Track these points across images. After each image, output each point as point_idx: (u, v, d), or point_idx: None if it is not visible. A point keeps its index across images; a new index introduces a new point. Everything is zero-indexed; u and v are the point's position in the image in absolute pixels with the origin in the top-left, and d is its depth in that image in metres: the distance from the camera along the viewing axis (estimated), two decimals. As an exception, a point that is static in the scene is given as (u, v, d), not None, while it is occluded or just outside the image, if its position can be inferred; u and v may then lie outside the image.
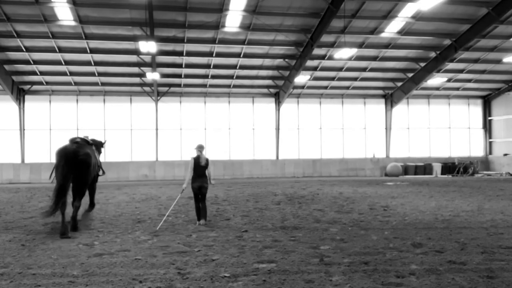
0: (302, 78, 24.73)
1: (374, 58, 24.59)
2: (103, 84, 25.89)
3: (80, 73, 24.46)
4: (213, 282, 5.21)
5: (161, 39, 20.53)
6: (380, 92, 29.48)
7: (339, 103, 29.64)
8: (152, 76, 23.34)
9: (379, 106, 29.99)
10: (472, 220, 9.58)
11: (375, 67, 25.80)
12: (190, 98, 27.91)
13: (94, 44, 21.50)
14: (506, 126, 29.83)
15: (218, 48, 22.46)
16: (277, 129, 28.49)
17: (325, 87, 28.10)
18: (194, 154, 9.55)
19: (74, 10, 18.38)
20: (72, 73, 24.32)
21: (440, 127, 30.78)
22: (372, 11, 19.71)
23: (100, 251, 6.75)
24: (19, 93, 25.46)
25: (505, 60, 24.34)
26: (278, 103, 28.34)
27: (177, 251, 6.72)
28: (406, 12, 19.81)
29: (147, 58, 22.82)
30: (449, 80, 27.64)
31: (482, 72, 26.97)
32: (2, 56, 22.11)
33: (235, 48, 22.69)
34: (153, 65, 22.61)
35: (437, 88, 29.21)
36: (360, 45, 22.62)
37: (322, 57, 23.97)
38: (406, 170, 28.31)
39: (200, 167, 9.35)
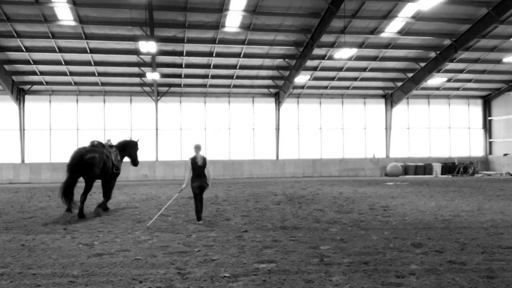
0: (302, 78, 24.73)
1: (374, 58, 24.59)
2: (103, 84, 25.89)
3: (80, 73, 24.47)
4: (213, 282, 5.20)
5: (161, 39, 20.53)
6: (380, 92, 29.48)
7: (339, 103, 29.64)
8: (152, 76, 23.34)
9: (379, 106, 30.00)
10: (472, 220, 9.58)
11: (375, 67, 25.80)
12: (190, 98, 27.91)
13: (94, 44, 21.50)
14: (506, 126, 29.83)
15: (218, 48, 22.46)
16: (277, 129, 28.49)
17: (325, 87, 28.10)
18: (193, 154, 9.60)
19: (74, 10, 18.39)
20: (72, 73, 24.33)
21: (440, 127, 30.78)
22: (372, 11, 19.71)
23: (100, 251, 6.75)
24: (19, 93, 25.46)
25: (505, 60, 24.34)
26: (278, 103, 28.35)
27: (177, 251, 6.72)
28: (406, 12, 19.81)
29: (147, 58, 22.83)
30: (449, 80, 27.64)
31: (482, 72, 26.97)
32: (2, 56, 22.11)
33: (235, 48, 22.69)
34: (153, 65, 22.61)
35: (437, 88, 29.22)
36: (360, 45, 22.62)
37: (322, 57, 23.97)
38: (406, 170, 28.31)
39: (197, 167, 9.38)
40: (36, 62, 22.84)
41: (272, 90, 28.20)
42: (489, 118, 31.05)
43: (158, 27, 19.78)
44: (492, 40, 22.73)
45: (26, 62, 22.72)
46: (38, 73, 24.01)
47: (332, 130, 29.48)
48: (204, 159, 9.48)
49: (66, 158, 28.10)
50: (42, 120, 26.36)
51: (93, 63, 23.18)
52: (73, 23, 19.27)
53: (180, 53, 22.79)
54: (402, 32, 21.53)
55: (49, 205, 13.05)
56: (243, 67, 24.72)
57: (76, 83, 25.65)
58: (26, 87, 25.63)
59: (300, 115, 29.17)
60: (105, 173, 11.04)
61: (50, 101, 26.56)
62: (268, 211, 11.32)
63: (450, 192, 15.97)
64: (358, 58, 24.26)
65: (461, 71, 26.65)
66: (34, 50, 21.71)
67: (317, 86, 27.86)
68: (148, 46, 18.91)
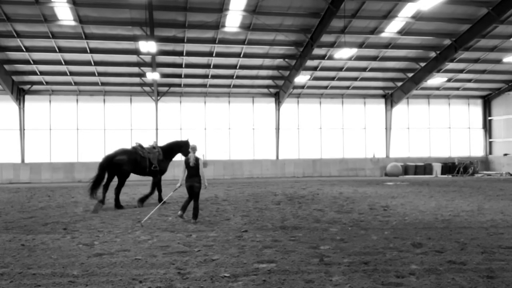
0: (302, 78, 24.73)
1: (374, 58, 24.59)
2: (103, 84, 25.89)
3: (80, 73, 24.47)
4: (213, 282, 5.21)
5: (161, 39, 20.53)
6: (380, 92, 29.48)
7: (339, 103, 29.64)
8: (152, 76, 23.34)
9: (379, 106, 30.00)
10: (472, 220, 9.58)
11: (375, 67, 25.80)
12: (190, 98, 27.91)
13: (94, 44, 21.50)
14: (506, 126, 29.83)
15: (218, 48, 22.46)
16: (277, 129, 28.50)
17: (325, 87, 28.10)
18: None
19: (74, 10, 18.39)
20: (72, 73, 24.32)
21: (440, 127, 30.79)
22: (372, 11, 19.72)
23: (100, 251, 6.75)
24: (19, 93, 25.46)
25: (505, 60, 24.34)
26: (278, 103, 28.35)
27: (177, 251, 6.72)
28: (406, 12, 19.81)
29: (147, 58, 22.83)
30: (449, 80, 27.64)
31: (482, 72, 26.98)
32: (2, 56, 22.11)
33: (235, 48, 22.69)
34: (153, 65, 22.61)
35: (437, 88, 29.22)
36: (360, 45, 22.63)
37: (322, 57, 23.97)
38: (406, 170, 28.31)
39: (190, 168, 9.57)
40: (36, 62, 22.84)
41: (272, 90, 28.21)
42: (489, 118, 31.05)
43: (158, 27, 19.78)
44: (492, 40, 22.73)
45: (26, 62, 22.72)
46: (38, 73, 24.01)
47: (332, 130, 29.48)
48: (196, 160, 9.59)
49: (66, 158, 28.26)
50: (42, 120, 26.36)
51: (93, 63, 23.18)
52: (73, 23, 19.27)
53: (180, 53, 22.79)
54: (402, 32, 21.53)
55: (49, 205, 13.06)
56: (243, 67, 24.72)
57: (76, 83, 25.65)
58: (26, 87, 25.63)
59: (300, 115, 29.17)
60: (142, 171, 12.83)
61: (50, 101, 26.55)
62: (268, 211, 11.32)
63: (450, 192, 15.97)
64: (358, 58, 24.26)
65: (461, 71, 26.65)
66: (34, 50, 21.72)
67: (317, 86, 27.86)
68: (148, 46, 18.90)
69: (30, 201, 14.13)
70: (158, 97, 27.05)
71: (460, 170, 28.22)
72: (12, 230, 8.79)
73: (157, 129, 27.27)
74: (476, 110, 31.38)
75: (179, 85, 26.69)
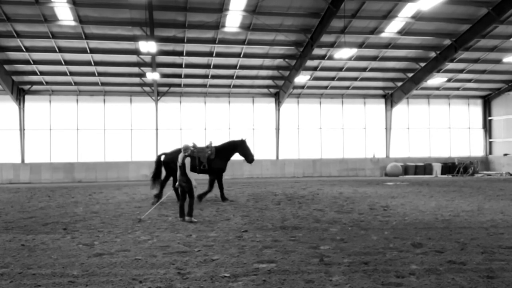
0: (302, 78, 24.72)
1: (374, 58, 24.59)
2: (103, 84, 25.89)
3: (80, 73, 24.46)
4: (213, 282, 5.21)
5: (161, 39, 20.52)
6: (380, 92, 29.48)
7: (339, 103, 29.63)
8: (152, 76, 23.33)
9: (379, 106, 29.99)
10: (472, 220, 9.58)
11: (375, 67, 25.79)
12: (190, 98, 27.90)
13: (94, 44, 21.49)
14: (506, 126, 29.83)
15: (218, 48, 22.46)
16: (277, 129, 28.49)
17: (325, 87, 28.10)
18: None
19: (74, 10, 18.38)
20: (72, 73, 24.31)
21: (440, 127, 30.78)
22: (372, 11, 19.71)
23: (100, 251, 6.76)
24: (19, 93, 25.46)
25: (505, 60, 24.33)
26: (278, 103, 28.35)
27: (177, 251, 6.73)
28: (406, 12, 19.80)
29: (147, 58, 22.82)
30: (449, 80, 27.63)
31: (482, 72, 26.97)
32: (2, 56, 22.11)
33: (235, 48, 22.69)
34: (153, 65, 22.61)
35: (437, 88, 29.21)
36: (360, 45, 22.62)
37: (322, 57, 23.97)
38: (406, 170, 28.30)
39: (178, 167, 9.92)
40: (36, 62, 22.83)
41: (272, 90, 28.20)
42: (489, 118, 31.04)
43: (158, 27, 19.77)
44: (492, 40, 22.72)
45: (26, 62, 22.71)
46: (38, 73, 24.00)
47: (332, 130, 29.47)
48: (183, 159, 9.76)
49: (66, 158, 28.12)
50: (42, 120, 26.34)
51: (93, 63, 23.17)
52: (73, 23, 19.26)
53: (180, 53, 22.78)
54: (402, 32, 21.52)
55: (49, 205, 13.06)
56: (243, 67, 24.71)
57: (76, 83, 25.65)
58: (26, 87, 25.62)
59: (300, 115, 29.17)
60: (192, 169, 13.22)
61: (50, 101, 26.55)
62: (268, 211, 11.33)
63: (450, 192, 15.97)
64: (358, 58, 24.25)
65: (461, 71, 26.64)
66: (34, 50, 21.71)
67: (317, 86, 27.85)
68: (148, 46, 18.89)
69: (30, 201, 14.13)
70: (158, 97, 27.05)
71: (460, 170, 28.22)
72: (12, 230, 8.79)
73: (157, 129, 27.28)
74: (476, 110, 31.38)
75: (179, 85, 26.69)
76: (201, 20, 19.55)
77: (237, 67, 24.61)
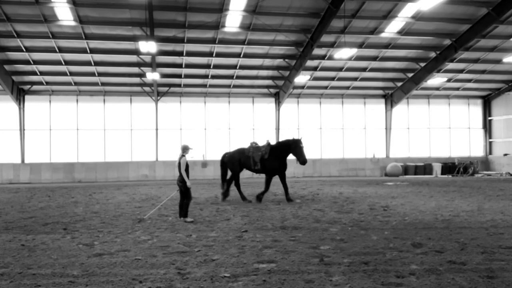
0: (302, 78, 24.72)
1: (374, 58, 24.59)
2: (103, 84, 25.89)
3: (80, 73, 24.46)
4: (213, 282, 5.21)
5: (161, 39, 20.52)
6: (380, 92, 29.48)
7: (339, 103, 29.63)
8: (152, 76, 23.33)
9: (379, 106, 30.00)
10: (472, 220, 9.58)
11: (375, 67, 25.80)
12: (190, 98, 27.91)
13: (94, 44, 21.50)
14: (506, 126, 29.83)
15: (218, 48, 22.46)
16: (277, 129, 28.49)
17: (325, 87, 28.10)
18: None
19: (74, 10, 18.39)
20: (72, 73, 24.32)
21: (440, 127, 30.78)
22: (372, 11, 19.71)
23: (100, 251, 6.76)
24: (19, 93, 25.46)
25: (505, 60, 24.33)
26: (278, 103, 28.34)
27: (177, 251, 6.72)
28: (406, 12, 19.81)
29: (147, 58, 22.82)
30: (449, 80, 27.63)
31: (482, 72, 26.97)
32: (2, 56, 22.11)
33: (235, 48, 22.69)
34: (153, 65, 22.61)
35: (437, 88, 29.21)
36: (360, 45, 22.62)
37: (322, 57, 23.97)
38: (406, 170, 28.30)
39: (176, 168, 9.96)
40: (36, 62, 22.84)
41: (272, 90, 28.20)
42: (489, 118, 31.04)
43: (158, 27, 19.77)
44: (492, 40, 22.73)
45: (26, 62, 22.71)
46: (38, 73, 24.00)
47: (332, 130, 29.47)
48: (178, 159, 9.81)
49: (66, 158, 28.18)
50: (42, 120, 26.35)
51: (93, 63, 23.17)
52: (73, 23, 19.26)
53: (180, 53, 22.78)
54: (402, 32, 21.52)
55: (49, 205, 13.06)
56: (243, 67, 24.71)
57: (76, 83, 25.65)
58: (26, 87, 25.62)
59: (300, 115, 29.17)
60: (248, 169, 13.76)
61: (50, 101, 26.55)
62: (268, 211, 11.33)
63: (450, 192, 15.97)
64: (358, 58, 24.25)
65: (461, 71, 26.64)
66: (34, 50, 21.71)
67: (317, 86, 27.85)
68: (148, 46, 18.89)
69: (30, 201, 14.13)
70: (158, 97, 27.05)
71: (460, 170, 28.21)
72: (12, 230, 8.79)
73: (157, 129, 27.28)
74: (476, 110, 31.38)
75: (179, 85, 26.69)
76: (201, 20, 19.55)
77: (237, 67, 24.61)
